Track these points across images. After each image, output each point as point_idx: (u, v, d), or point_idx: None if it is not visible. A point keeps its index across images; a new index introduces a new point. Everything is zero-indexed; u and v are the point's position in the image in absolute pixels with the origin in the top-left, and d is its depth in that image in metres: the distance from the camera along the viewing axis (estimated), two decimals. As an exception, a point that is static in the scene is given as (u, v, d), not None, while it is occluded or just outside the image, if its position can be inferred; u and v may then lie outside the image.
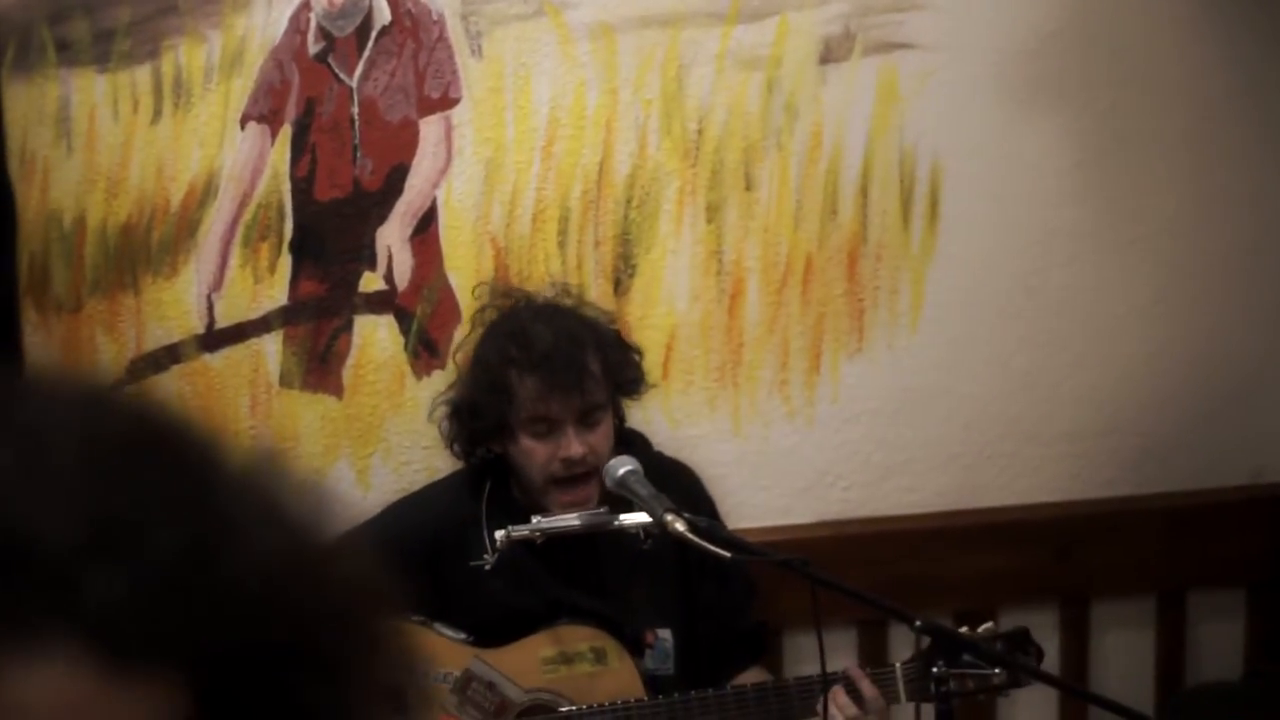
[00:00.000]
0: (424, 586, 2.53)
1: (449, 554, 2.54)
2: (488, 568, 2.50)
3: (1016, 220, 2.99)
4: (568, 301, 2.62)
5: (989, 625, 2.49)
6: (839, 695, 2.44)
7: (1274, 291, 3.15)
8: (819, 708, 2.43)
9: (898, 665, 2.42)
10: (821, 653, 2.30)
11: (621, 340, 2.63)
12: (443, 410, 2.64)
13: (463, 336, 2.72)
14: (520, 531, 2.45)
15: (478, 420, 2.54)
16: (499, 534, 2.45)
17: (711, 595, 2.64)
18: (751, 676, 2.70)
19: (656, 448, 2.77)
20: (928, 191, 2.94)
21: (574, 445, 2.47)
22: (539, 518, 2.46)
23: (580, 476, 2.49)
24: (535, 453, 2.49)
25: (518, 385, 2.48)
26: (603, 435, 2.52)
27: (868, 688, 2.43)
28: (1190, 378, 3.12)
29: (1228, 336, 3.14)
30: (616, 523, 2.43)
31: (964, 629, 2.47)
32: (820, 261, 2.91)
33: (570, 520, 2.44)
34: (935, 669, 2.12)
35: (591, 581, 2.57)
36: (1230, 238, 3.11)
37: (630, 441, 2.68)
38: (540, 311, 2.57)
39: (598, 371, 2.50)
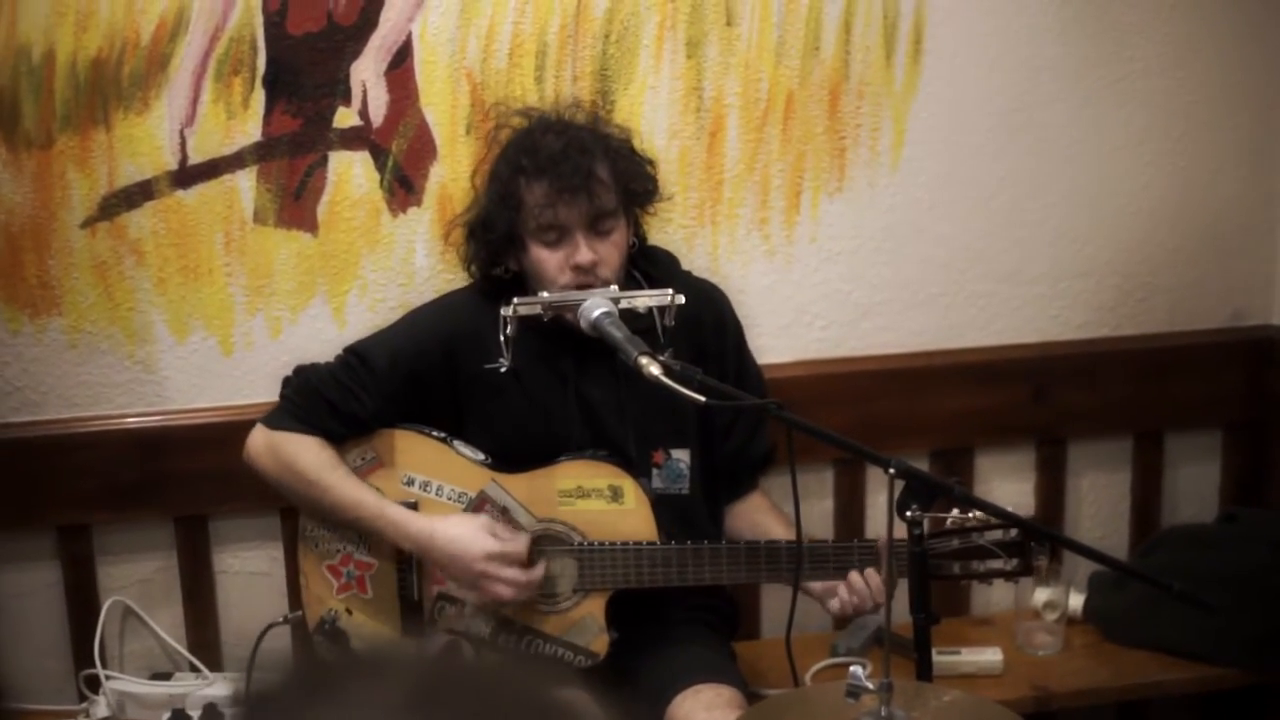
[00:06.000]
0: (443, 392, 2.53)
1: (466, 357, 2.52)
2: (502, 369, 2.47)
3: (1000, 58, 2.95)
4: (579, 115, 2.58)
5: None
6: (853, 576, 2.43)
7: (1256, 135, 3.12)
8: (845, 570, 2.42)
9: None
10: (795, 499, 2.30)
11: (633, 151, 2.58)
12: (460, 233, 2.61)
13: (479, 159, 2.67)
14: (528, 306, 2.43)
15: (490, 233, 2.51)
16: (505, 311, 2.43)
17: (726, 421, 2.64)
18: (756, 505, 2.70)
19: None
20: (912, 27, 2.89)
21: (583, 251, 2.43)
22: (546, 293, 2.45)
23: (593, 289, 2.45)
24: (546, 262, 2.46)
25: (526, 192, 2.45)
26: (613, 246, 2.48)
27: (883, 566, 2.40)
28: (1171, 220, 3.11)
29: (1209, 179, 3.12)
30: (627, 303, 2.42)
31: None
32: (801, 98, 2.88)
33: (577, 296, 2.42)
34: (909, 513, 2.07)
35: (608, 402, 2.54)
36: (1214, 79, 3.07)
37: (656, 260, 2.65)
38: (551, 124, 2.53)
39: (606, 178, 2.46)
